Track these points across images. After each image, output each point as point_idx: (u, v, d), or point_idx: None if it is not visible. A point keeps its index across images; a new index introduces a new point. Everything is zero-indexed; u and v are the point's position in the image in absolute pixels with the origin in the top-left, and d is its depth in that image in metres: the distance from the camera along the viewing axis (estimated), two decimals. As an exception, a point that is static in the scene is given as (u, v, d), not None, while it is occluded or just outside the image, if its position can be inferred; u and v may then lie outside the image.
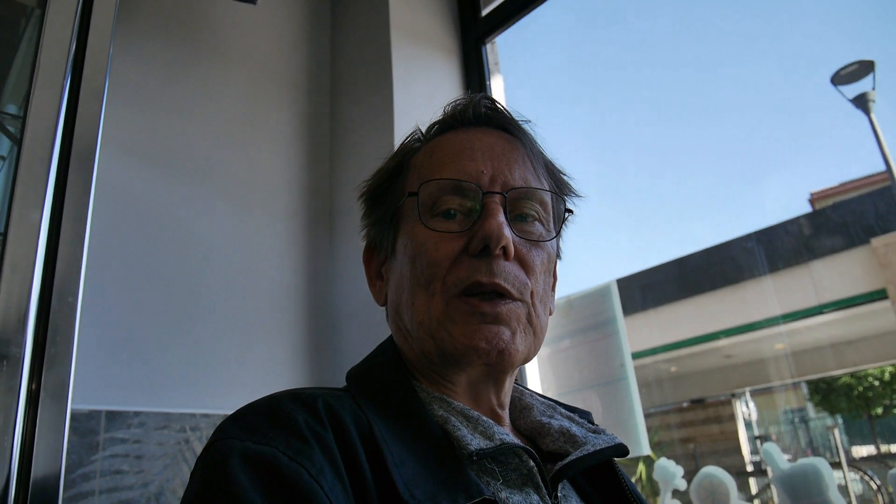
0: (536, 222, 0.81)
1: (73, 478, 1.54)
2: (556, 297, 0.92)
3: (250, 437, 0.60)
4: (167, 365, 1.78)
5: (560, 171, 0.89)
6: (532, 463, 0.72)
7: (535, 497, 0.70)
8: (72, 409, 1.58)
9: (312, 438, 0.61)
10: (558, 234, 0.86)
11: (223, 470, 0.56)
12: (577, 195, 0.90)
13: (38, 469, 1.11)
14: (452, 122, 0.87)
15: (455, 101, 0.89)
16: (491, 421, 0.74)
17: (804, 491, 1.55)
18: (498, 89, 2.34)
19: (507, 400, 0.84)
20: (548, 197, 0.83)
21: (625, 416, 1.84)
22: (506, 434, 0.71)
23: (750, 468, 9.95)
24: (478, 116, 0.86)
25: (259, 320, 2.01)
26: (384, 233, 0.87)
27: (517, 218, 0.80)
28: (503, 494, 0.68)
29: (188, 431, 1.75)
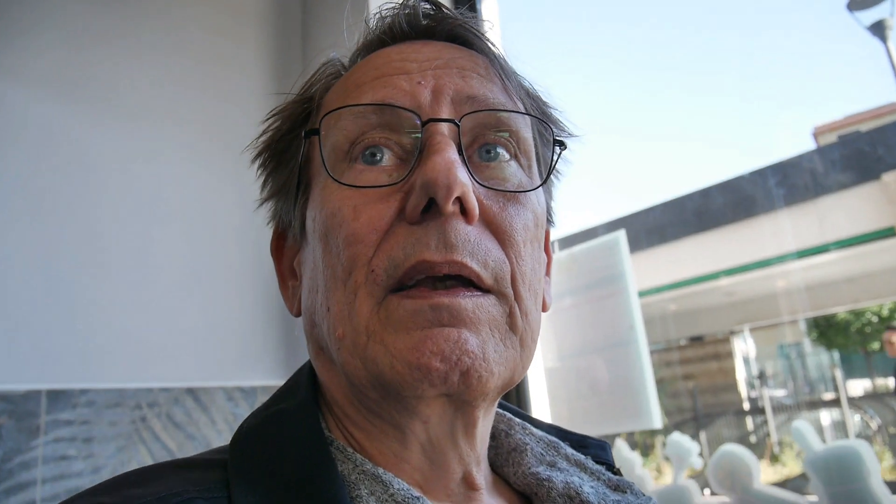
0: (511, 161, 0.55)
1: (11, 467, 1.36)
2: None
3: None
4: (118, 335, 1.58)
5: (545, 102, 0.62)
6: None
7: None
8: (5, 390, 1.39)
9: None
10: (546, 181, 0.59)
11: None
12: (570, 134, 0.62)
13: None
14: (381, 39, 0.61)
15: (382, 10, 0.62)
16: None
17: (840, 476, 1.37)
18: (491, 12, 2.07)
19: (483, 447, 0.58)
20: (527, 128, 0.57)
21: (634, 385, 1.66)
22: None
23: (747, 406, 10.02)
24: (415, 27, 0.59)
25: (223, 282, 1.80)
26: (290, 207, 0.61)
27: (480, 155, 0.54)
28: None
29: (145, 408, 1.56)
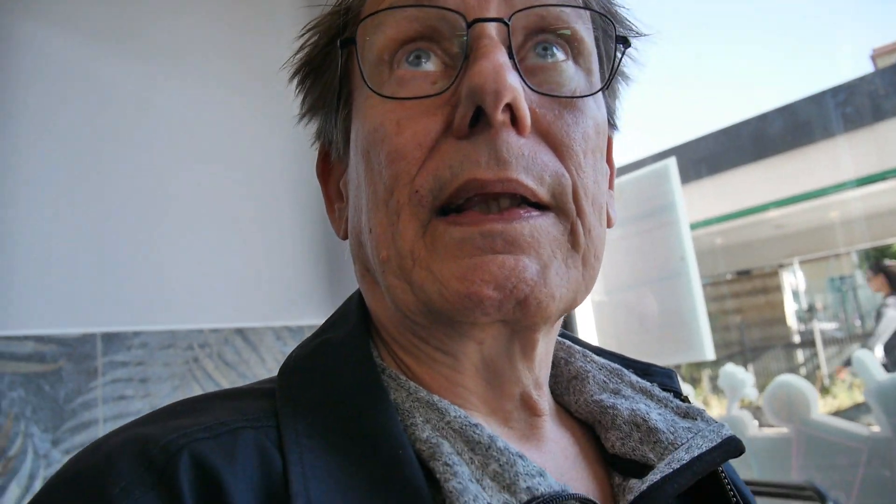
0: (568, 62, 0.49)
1: (73, 407, 1.41)
2: None
3: None
4: (167, 278, 1.60)
5: (608, 1, 0.54)
6: None
7: None
8: (61, 333, 1.42)
9: None
10: (608, 84, 0.53)
11: None
12: (638, 33, 0.55)
13: None
14: None
15: None
16: (513, 451, 0.44)
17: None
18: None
19: (544, 371, 0.54)
20: (588, 25, 0.50)
21: (686, 317, 1.62)
22: (536, 474, 0.43)
23: (797, 339, 9.86)
24: None
25: (270, 224, 1.80)
26: (331, 123, 0.57)
27: (533, 57, 0.48)
28: None
29: (196, 349, 1.59)
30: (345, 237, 0.57)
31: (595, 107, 0.50)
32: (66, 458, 1.38)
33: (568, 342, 0.62)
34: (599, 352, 0.63)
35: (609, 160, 0.58)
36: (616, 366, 0.60)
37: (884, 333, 5.24)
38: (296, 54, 0.58)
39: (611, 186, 0.58)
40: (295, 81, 0.59)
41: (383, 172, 0.46)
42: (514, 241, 0.43)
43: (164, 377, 1.53)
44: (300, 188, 1.87)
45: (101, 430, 1.43)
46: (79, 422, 1.41)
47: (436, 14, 0.47)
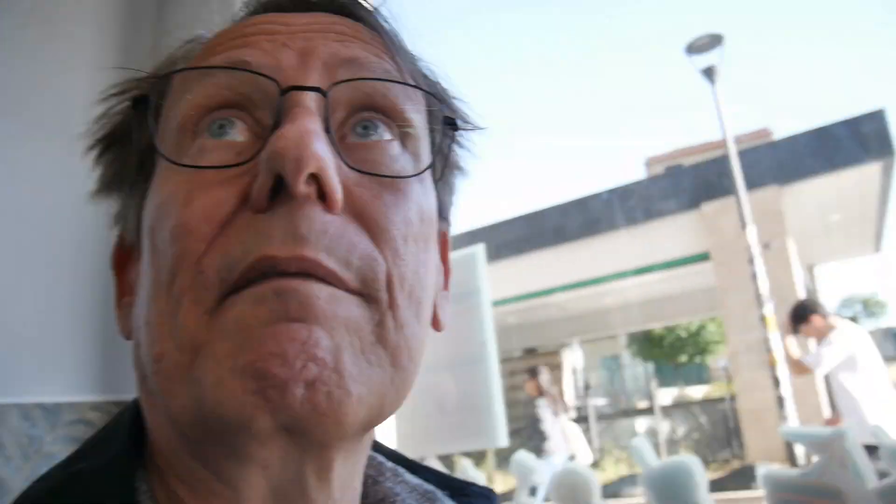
0: (394, 143, 0.44)
1: None
2: None
3: None
4: None
5: (445, 88, 0.50)
6: None
7: None
8: None
9: None
10: (436, 168, 0.47)
11: None
12: (472, 125, 0.50)
13: None
14: (256, 8, 0.49)
15: None
16: None
17: (672, 491, 1.43)
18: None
19: (348, 496, 0.44)
20: (418, 107, 0.46)
21: (483, 402, 1.62)
22: None
23: (573, 415, 10.69)
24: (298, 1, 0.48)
25: (19, 277, 1.55)
26: (128, 203, 0.48)
27: (355, 132, 0.43)
28: None
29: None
30: (129, 338, 0.47)
31: (421, 192, 0.45)
32: None
33: (380, 458, 0.54)
34: (414, 468, 0.55)
35: (444, 258, 0.52)
36: (430, 488, 0.53)
37: (544, 431, 6.13)
38: (96, 122, 0.48)
39: (445, 287, 0.52)
40: (93, 153, 0.49)
41: (167, 252, 0.39)
42: (309, 304, 0.36)
43: None
44: (58, 241, 1.64)
45: None
46: None
47: (248, 80, 0.41)
